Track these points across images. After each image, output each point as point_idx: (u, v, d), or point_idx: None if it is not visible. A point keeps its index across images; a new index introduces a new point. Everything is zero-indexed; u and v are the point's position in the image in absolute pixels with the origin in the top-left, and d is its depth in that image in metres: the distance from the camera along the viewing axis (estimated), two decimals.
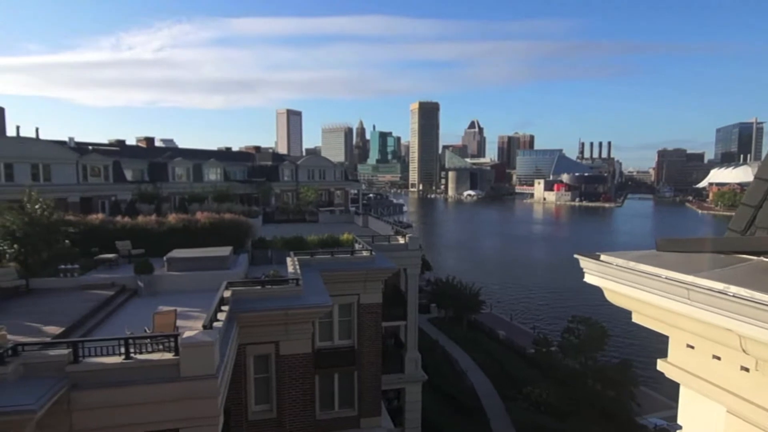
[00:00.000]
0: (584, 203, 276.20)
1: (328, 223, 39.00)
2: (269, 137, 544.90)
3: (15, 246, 16.95)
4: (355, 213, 44.53)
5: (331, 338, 18.77)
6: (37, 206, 17.70)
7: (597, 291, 3.19)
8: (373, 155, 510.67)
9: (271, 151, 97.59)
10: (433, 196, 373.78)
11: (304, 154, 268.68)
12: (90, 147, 50.56)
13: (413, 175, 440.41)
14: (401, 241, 24.82)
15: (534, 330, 53.15)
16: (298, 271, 15.94)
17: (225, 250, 18.18)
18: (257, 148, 79.23)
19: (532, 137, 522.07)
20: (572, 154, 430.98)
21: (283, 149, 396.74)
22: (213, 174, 59.37)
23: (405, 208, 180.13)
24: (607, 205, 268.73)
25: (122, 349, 8.82)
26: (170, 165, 54.53)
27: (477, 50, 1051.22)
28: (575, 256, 3.31)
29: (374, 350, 19.43)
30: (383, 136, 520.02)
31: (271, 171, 66.63)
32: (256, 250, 21.10)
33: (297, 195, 64.45)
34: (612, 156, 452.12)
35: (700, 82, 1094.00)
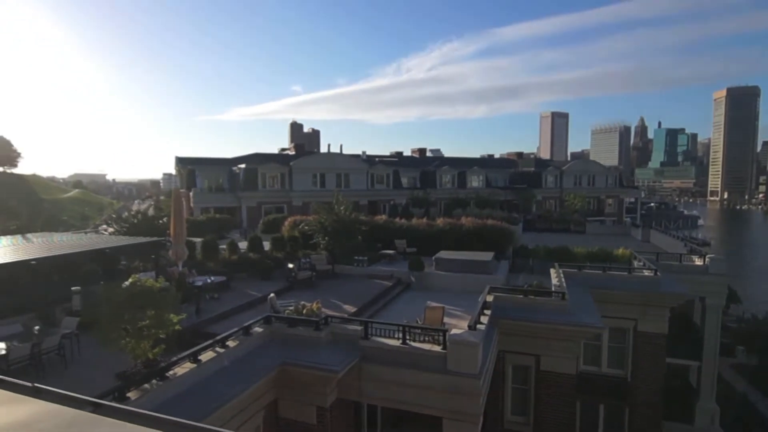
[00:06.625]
0: None
1: (597, 234, 35.34)
2: (532, 143, 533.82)
3: (326, 238, 21.66)
4: (632, 225, 38.93)
5: (598, 363, 16.75)
6: (342, 207, 22.20)
7: None
8: (657, 157, 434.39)
9: (533, 156, 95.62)
10: (744, 207, 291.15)
11: (569, 158, 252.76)
12: (376, 159, 60.90)
13: (714, 181, 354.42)
14: (698, 262, 20.16)
15: None
16: (564, 284, 14.82)
17: (487, 255, 18.57)
18: (519, 155, 78.83)
19: None
20: None
21: (546, 154, 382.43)
22: (475, 181, 62.12)
23: (700, 222, 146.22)
24: None
25: (399, 334, 9.94)
26: (438, 173, 59.88)
27: None
28: None
29: (653, 388, 16.36)
30: (671, 134, 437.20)
31: (533, 177, 65.01)
32: (516, 257, 20.82)
33: (561, 203, 60.96)
34: None
35: None
